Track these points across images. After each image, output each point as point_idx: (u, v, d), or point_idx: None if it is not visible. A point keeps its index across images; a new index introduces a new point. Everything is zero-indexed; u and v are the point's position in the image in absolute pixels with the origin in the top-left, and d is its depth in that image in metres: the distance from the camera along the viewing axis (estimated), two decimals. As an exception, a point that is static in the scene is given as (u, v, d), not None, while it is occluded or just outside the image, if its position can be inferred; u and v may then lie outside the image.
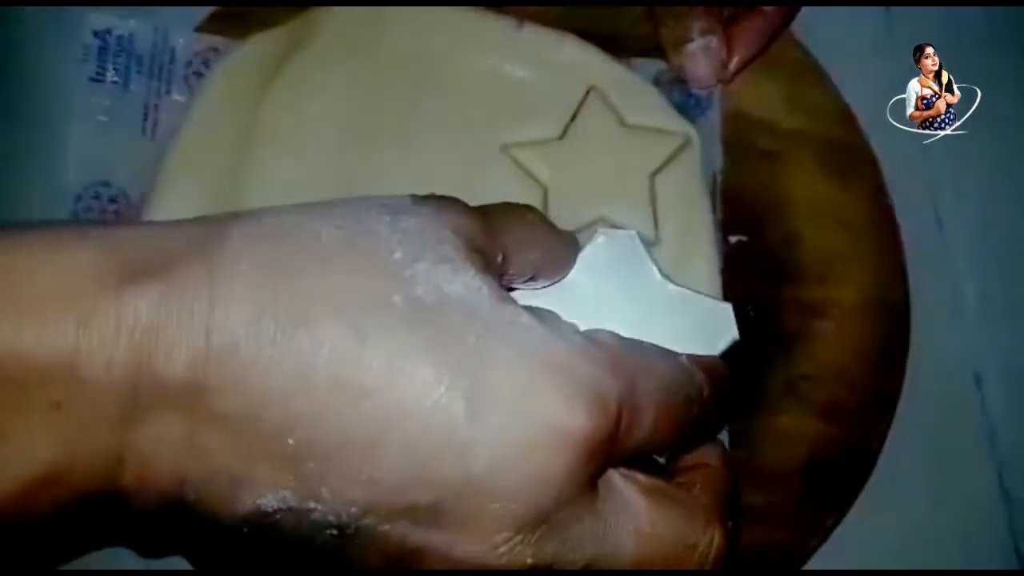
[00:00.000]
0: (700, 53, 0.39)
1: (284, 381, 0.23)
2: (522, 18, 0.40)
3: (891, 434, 0.39)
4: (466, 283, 0.24)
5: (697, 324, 0.30)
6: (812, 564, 0.38)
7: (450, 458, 0.23)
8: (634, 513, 0.26)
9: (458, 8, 0.40)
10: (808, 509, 0.37)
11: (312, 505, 0.23)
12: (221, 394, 0.23)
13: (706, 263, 0.38)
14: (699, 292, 0.32)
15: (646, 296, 0.29)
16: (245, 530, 0.24)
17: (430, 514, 0.23)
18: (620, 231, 0.32)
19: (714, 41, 0.39)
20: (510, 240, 0.28)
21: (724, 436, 0.37)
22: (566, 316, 0.28)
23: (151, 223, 0.27)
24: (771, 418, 0.38)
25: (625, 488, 0.26)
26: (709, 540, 0.27)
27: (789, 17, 0.41)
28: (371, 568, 0.25)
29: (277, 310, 0.23)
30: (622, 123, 0.39)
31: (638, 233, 0.32)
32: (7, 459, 0.22)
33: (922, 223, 0.42)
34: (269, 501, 0.23)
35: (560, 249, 0.30)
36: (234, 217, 0.25)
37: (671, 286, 0.32)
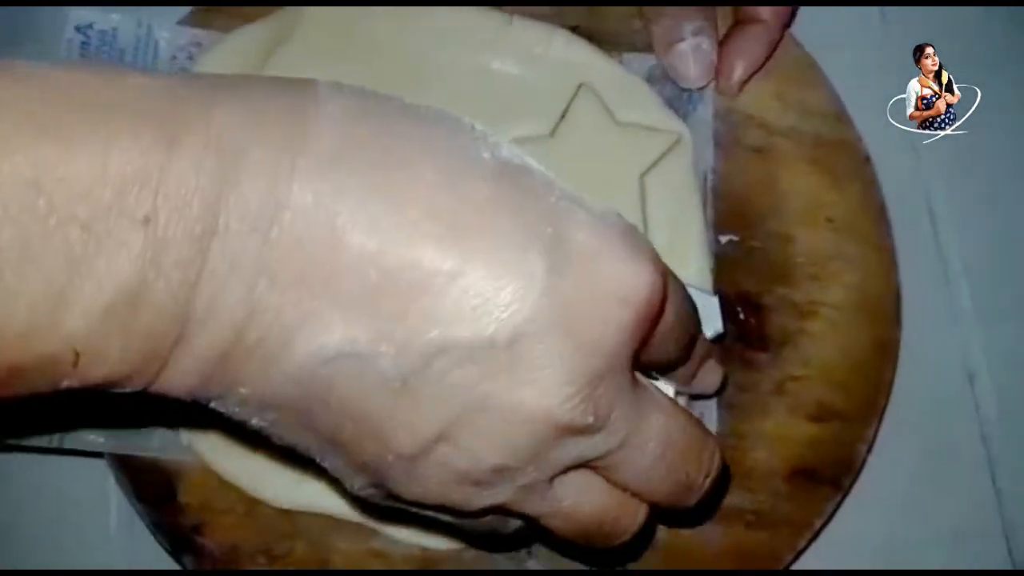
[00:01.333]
0: (691, 53, 0.39)
1: (371, 210, 0.23)
2: (512, 13, 0.39)
3: (883, 433, 0.38)
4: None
5: None
6: (802, 563, 0.38)
7: (532, 297, 0.23)
8: (660, 404, 0.27)
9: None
10: (795, 511, 0.37)
11: (383, 349, 0.23)
12: (302, 216, 0.22)
13: (697, 263, 0.37)
14: (689, 284, 0.33)
15: None
16: (295, 390, 0.24)
17: (506, 354, 0.23)
18: None
19: (705, 42, 0.39)
20: None
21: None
22: None
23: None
24: (760, 419, 0.38)
25: (650, 384, 0.28)
26: (713, 444, 0.29)
27: (788, 22, 0.40)
28: (419, 429, 0.24)
29: (369, 145, 0.23)
30: (613, 120, 0.39)
31: None
32: (94, 269, 0.21)
33: (914, 221, 0.41)
34: (335, 342, 0.23)
35: None
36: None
37: None
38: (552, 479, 0.26)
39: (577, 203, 0.25)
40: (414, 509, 0.27)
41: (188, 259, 0.22)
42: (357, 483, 0.27)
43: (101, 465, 0.38)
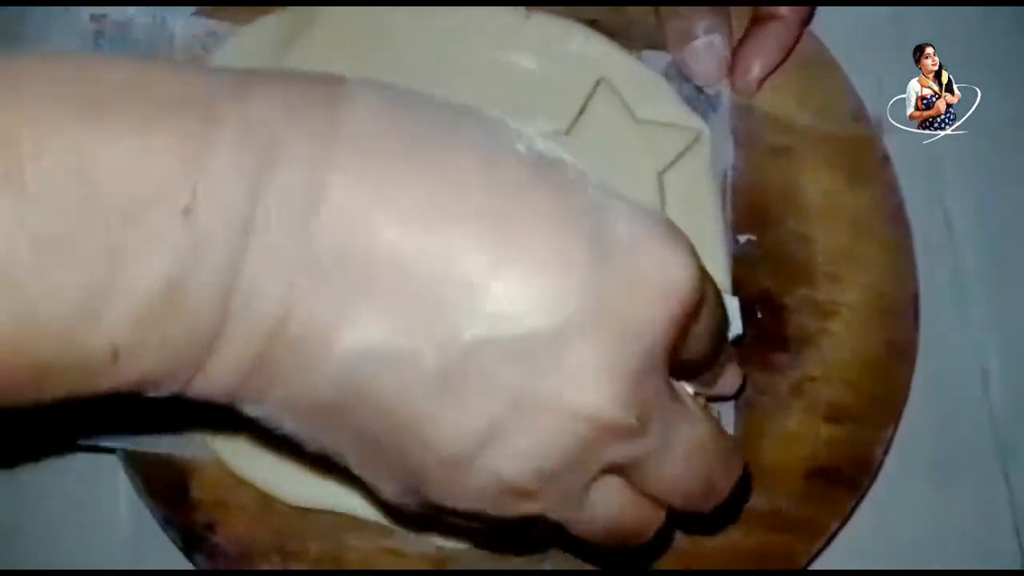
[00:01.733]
0: (703, 50, 0.39)
1: (409, 203, 0.22)
2: (529, 8, 0.39)
3: (898, 432, 0.38)
4: None
5: None
6: (819, 564, 0.38)
7: (575, 291, 0.23)
8: (690, 410, 0.27)
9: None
10: (813, 512, 0.37)
11: (424, 347, 0.22)
12: (340, 209, 0.22)
13: (716, 262, 0.37)
14: None
15: None
16: (329, 393, 0.23)
17: (550, 351, 0.23)
18: None
19: (718, 39, 0.39)
20: None
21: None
22: None
23: None
24: (778, 420, 0.37)
25: (680, 389, 0.27)
26: (735, 450, 0.29)
27: (807, 19, 0.40)
28: (464, 430, 0.23)
29: (404, 138, 0.23)
30: (632, 117, 0.38)
31: None
32: (134, 261, 0.21)
33: (931, 221, 0.41)
34: (375, 340, 0.22)
35: None
36: None
37: None
38: (587, 485, 0.26)
39: (614, 195, 0.25)
40: (449, 517, 0.27)
41: (227, 251, 0.21)
42: (392, 491, 0.26)
43: (110, 460, 0.37)
